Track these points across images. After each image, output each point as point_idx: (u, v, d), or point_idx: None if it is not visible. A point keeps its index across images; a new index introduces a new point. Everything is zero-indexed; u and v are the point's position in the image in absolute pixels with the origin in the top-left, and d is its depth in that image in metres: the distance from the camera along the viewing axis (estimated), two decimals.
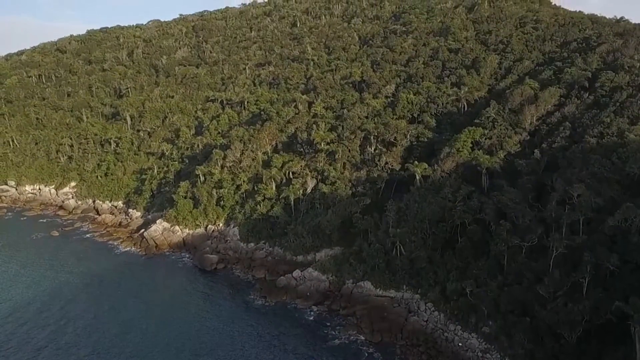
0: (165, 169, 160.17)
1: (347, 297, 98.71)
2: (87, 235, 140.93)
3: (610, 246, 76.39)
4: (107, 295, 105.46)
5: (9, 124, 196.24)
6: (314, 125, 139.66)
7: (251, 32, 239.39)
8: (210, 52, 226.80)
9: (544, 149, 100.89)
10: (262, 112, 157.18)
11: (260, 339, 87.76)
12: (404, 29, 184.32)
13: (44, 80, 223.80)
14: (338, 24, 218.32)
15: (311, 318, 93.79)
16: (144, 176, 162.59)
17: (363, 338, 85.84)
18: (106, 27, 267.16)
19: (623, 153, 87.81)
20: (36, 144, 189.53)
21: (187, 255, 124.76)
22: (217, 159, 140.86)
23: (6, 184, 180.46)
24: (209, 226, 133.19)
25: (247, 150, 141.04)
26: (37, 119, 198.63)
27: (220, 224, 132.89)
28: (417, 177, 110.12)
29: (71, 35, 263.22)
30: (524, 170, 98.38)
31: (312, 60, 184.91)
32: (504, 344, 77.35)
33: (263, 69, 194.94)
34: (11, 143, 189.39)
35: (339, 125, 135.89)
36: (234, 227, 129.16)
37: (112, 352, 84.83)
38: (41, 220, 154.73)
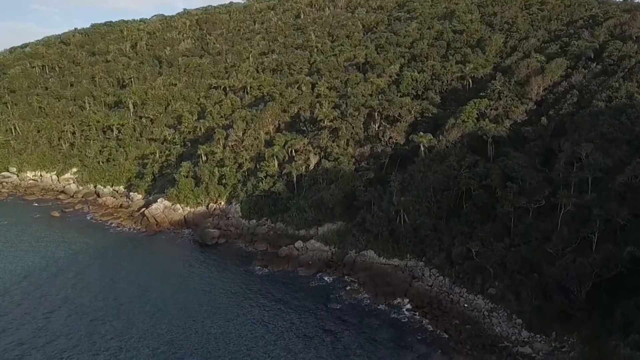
0: (167, 152, 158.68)
1: (350, 265, 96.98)
2: (88, 216, 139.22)
3: (621, 202, 74.44)
4: (111, 265, 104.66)
5: (11, 112, 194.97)
6: (318, 104, 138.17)
7: (255, 25, 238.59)
8: (214, 44, 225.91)
9: (551, 116, 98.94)
10: (266, 95, 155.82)
11: (264, 301, 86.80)
12: (408, 15, 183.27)
13: (47, 71, 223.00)
14: (342, 14, 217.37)
15: (314, 283, 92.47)
16: (145, 161, 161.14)
17: (367, 300, 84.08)
18: (110, 21, 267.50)
19: (632, 113, 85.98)
20: (38, 131, 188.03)
21: (188, 232, 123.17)
22: (219, 139, 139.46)
23: (7, 171, 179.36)
24: (211, 204, 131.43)
25: (249, 129, 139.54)
26: (39, 107, 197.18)
27: (222, 202, 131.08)
28: (422, 149, 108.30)
29: (75, 29, 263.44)
30: (530, 136, 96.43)
31: (316, 47, 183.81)
32: (511, 302, 75.21)
33: (266, 57, 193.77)
34: (13, 131, 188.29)
35: (343, 103, 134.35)
36: (235, 204, 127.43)
37: (123, 313, 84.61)
38: (42, 204, 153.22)
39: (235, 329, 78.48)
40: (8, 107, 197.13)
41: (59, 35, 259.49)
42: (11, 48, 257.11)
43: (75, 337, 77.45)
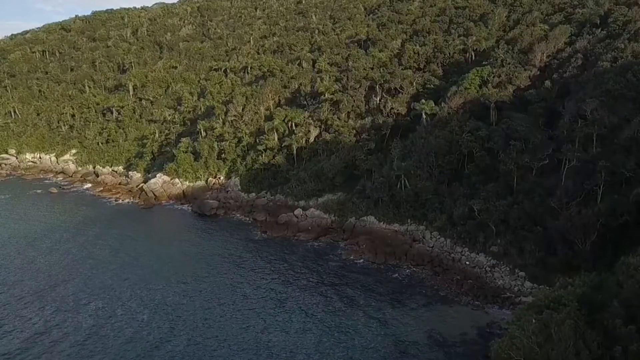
0: (167, 132, 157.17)
1: (350, 230, 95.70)
2: (86, 192, 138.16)
3: (626, 155, 72.49)
4: (108, 230, 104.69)
5: (11, 96, 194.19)
6: (319, 79, 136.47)
7: (256, 11, 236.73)
8: (215, 29, 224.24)
9: (555, 79, 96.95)
10: (266, 72, 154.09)
11: (263, 260, 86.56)
12: None
13: (47, 56, 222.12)
14: None
15: (314, 246, 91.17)
16: (145, 141, 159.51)
17: (367, 260, 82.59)
18: (111, 9, 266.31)
19: (638, 70, 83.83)
20: (38, 114, 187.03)
21: (187, 205, 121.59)
22: (219, 114, 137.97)
23: (6, 153, 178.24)
24: (210, 179, 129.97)
25: (249, 104, 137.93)
26: (39, 91, 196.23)
27: (221, 177, 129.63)
28: (424, 116, 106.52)
29: (76, 16, 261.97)
30: (534, 99, 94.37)
31: (317, 28, 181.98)
32: (513, 257, 73.44)
33: (267, 39, 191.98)
34: (13, 113, 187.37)
35: (344, 76, 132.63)
36: (235, 178, 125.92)
37: (126, 271, 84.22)
38: (40, 182, 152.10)
39: (234, 281, 78.17)
40: (8, 91, 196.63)
41: (59, 22, 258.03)
42: (12, 35, 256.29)
43: (75, 286, 78.84)
